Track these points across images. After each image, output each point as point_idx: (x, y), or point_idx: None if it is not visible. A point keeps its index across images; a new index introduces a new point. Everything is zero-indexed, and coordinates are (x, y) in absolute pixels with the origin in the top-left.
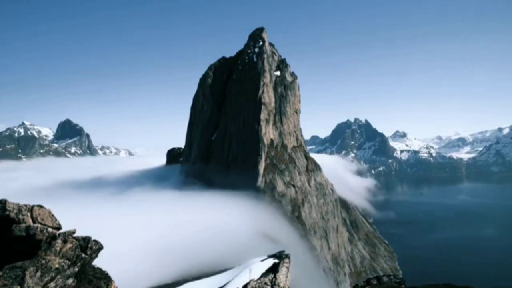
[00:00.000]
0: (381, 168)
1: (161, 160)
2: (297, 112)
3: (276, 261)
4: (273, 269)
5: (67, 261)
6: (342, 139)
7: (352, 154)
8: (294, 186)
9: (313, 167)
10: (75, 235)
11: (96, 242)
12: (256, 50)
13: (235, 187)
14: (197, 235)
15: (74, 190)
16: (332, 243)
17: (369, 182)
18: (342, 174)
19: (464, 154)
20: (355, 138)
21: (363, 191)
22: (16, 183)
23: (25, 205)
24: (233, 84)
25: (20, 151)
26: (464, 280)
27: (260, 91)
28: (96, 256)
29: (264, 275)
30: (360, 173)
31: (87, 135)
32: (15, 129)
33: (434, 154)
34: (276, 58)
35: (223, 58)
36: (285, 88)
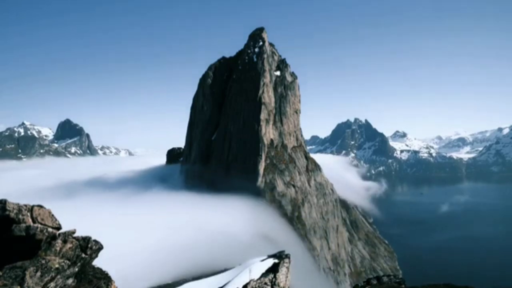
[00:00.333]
0: (381, 168)
1: (161, 160)
2: (297, 112)
3: (276, 261)
4: (273, 269)
5: (67, 261)
6: (342, 139)
7: (352, 154)
8: (294, 186)
9: (313, 167)
10: (75, 235)
11: (96, 242)
12: (256, 50)
13: (235, 187)
14: (197, 235)
15: (74, 190)
16: (332, 243)
17: (369, 182)
18: (342, 174)
19: (464, 154)
20: (355, 138)
21: (363, 191)
22: (17, 183)
23: (25, 205)
24: (233, 84)
25: (20, 151)
26: (464, 280)
27: (260, 91)
28: (96, 256)
29: (264, 275)
30: (360, 173)
31: (87, 135)
32: (15, 129)
33: (434, 154)
34: (276, 58)
35: (223, 58)
36: (285, 88)
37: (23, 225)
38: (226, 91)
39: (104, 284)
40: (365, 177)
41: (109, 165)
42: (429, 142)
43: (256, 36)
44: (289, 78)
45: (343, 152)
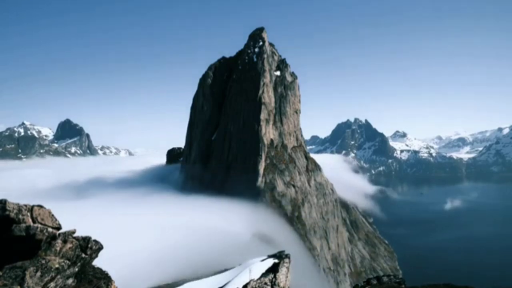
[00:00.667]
0: (381, 168)
1: (161, 160)
2: (297, 112)
3: (276, 261)
4: (273, 269)
5: (67, 261)
6: (342, 139)
7: (352, 154)
8: (294, 186)
9: (313, 167)
10: (75, 235)
11: (96, 242)
12: (256, 50)
13: (235, 187)
14: (197, 235)
15: (74, 190)
16: (332, 243)
17: (369, 182)
18: (342, 174)
19: (464, 154)
20: (355, 138)
21: (363, 191)
22: (20, 182)
23: (25, 205)
24: (233, 84)
25: (20, 151)
26: (464, 280)
27: (260, 91)
28: (96, 256)
29: (264, 275)
30: (360, 173)
31: (87, 135)
32: (15, 129)
33: (434, 154)
34: (276, 58)
35: (223, 58)
36: (285, 88)
37: (23, 225)
38: (226, 91)
39: (104, 284)
40: (365, 177)
41: (109, 165)
42: (429, 142)
43: (256, 36)
44: (289, 78)
45: (343, 152)
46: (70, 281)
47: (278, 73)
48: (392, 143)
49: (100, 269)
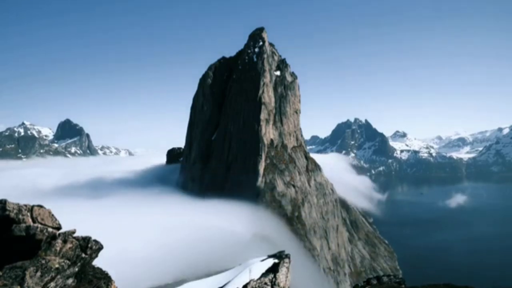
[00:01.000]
0: (381, 168)
1: (161, 160)
2: (297, 112)
3: (276, 261)
4: (273, 269)
5: (67, 261)
6: (342, 139)
7: (352, 154)
8: (294, 186)
9: (313, 167)
10: (75, 235)
11: (96, 242)
12: (256, 50)
13: (235, 187)
14: (197, 235)
15: (74, 190)
16: (332, 243)
17: (369, 182)
18: (342, 174)
19: (464, 154)
20: (355, 138)
21: (363, 191)
22: (23, 182)
23: (25, 205)
24: (233, 84)
25: (20, 151)
26: (464, 280)
27: (260, 91)
28: (96, 256)
29: (264, 275)
30: (360, 173)
31: (87, 135)
32: (15, 129)
33: (434, 154)
34: (276, 58)
35: (223, 58)
36: (285, 88)
37: (23, 225)
38: (226, 91)
39: (104, 284)
40: (365, 177)
41: (109, 165)
42: (429, 142)
43: (256, 36)
44: (289, 78)
45: (343, 152)
46: (70, 281)
47: (278, 73)
48: (392, 143)
49: (100, 269)
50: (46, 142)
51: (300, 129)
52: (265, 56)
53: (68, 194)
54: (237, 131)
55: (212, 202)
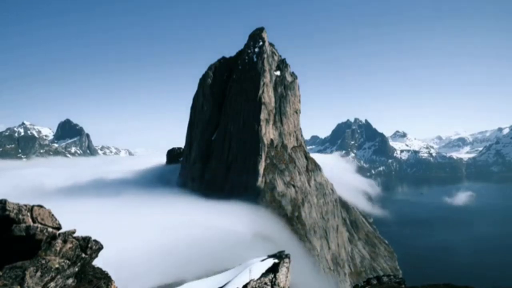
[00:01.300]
0: (381, 168)
1: (161, 160)
2: (297, 112)
3: (276, 261)
4: (273, 269)
5: (67, 261)
6: (342, 139)
7: (352, 154)
8: (294, 186)
9: (313, 167)
10: (75, 235)
11: (96, 242)
12: (256, 50)
13: (235, 187)
14: (197, 235)
15: (74, 190)
16: (332, 243)
17: (369, 182)
18: (342, 174)
19: (464, 154)
20: (355, 138)
21: (363, 191)
22: (24, 182)
23: (25, 205)
24: (233, 84)
25: (20, 151)
26: (464, 280)
27: (260, 91)
28: (96, 256)
29: (264, 275)
30: (360, 173)
31: (87, 135)
32: (15, 129)
33: (434, 154)
34: (276, 58)
35: (223, 58)
36: (285, 88)
37: (23, 225)
38: (226, 91)
39: (104, 284)
40: (365, 177)
41: (109, 165)
42: (429, 142)
43: (256, 36)
44: (289, 78)
45: (343, 152)
46: (70, 281)
47: (278, 73)
48: (392, 143)
49: (100, 269)
50: (46, 142)
51: (300, 129)
52: (265, 56)
53: (68, 194)
54: (237, 131)
55: (212, 202)
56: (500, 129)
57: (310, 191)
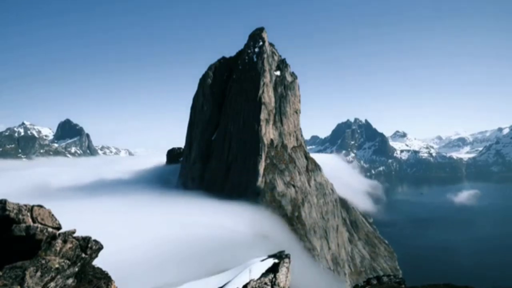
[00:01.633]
0: (381, 168)
1: (161, 160)
2: (297, 112)
3: (276, 261)
4: (273, 269)
5: (67, 261)
6: (342, 139)
7: (352, 154)
8: (294, 186)
9: (313, 167)
10: (75, 235)
11: (96, 242)
12: (256, 50)
13: (235, 187)
14: (197, 235)
15: (74, 190)
16: (332, 243)
17: (369, 182)
18: (342, 174)
19: (464, 154)
20: (355, 138)
21: (363, 191)
22: (26, 182)
23: (25, 205)
24: (233, 84)
25: (20, 151)
26: (464, 280)
27: (260, 91)
28: (96, 256)
29: (264, 275)
30: (360, 173)
31: (87, 135)
32: (15, 129)
33: (434, 154)
34: (276, 58)
35: (223, 58)
36: (285, 88)
37: (23, 225)
38: (226, 91)
39: (104, 284)
40: (365, 177)
41: (109, 165)
42: (429, 142)
43: (256, 36)
44: (289, 78)
45: (343, 152)
46: (70, 281)
47: (278, 73)
48: (392, 143)
49: (100, 269)
50: (46, 142)
51: (300, 129)
52: (265, 56)
53: (68, 193)
54: (237, 131)
55: (212, 202)
56: (500, 129)
57: (310, 191)
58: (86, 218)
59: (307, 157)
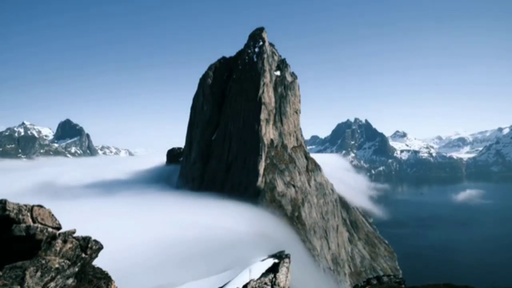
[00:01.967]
0: (381, 168)
1: (161, 160)
2: (297, 112)
3: (276, 261)
4: (273, 269)
5: (67, 261)
6: (342, 139)
7: (352, 154)
8: (294, 186)
9: (313, 167)
10: (75, 235)
11: (96, 242)
12: (256, 50)
13: (235, 187)
14: (197, 235)
15: (74, 190)
16: (332, 243)
17: (369, 182)
18: (342, 174)
19: (464, 154)
20: (355, 138)
21: (363, 191)
22: (19, 183)
23: (25, 205)
24: (233, 84)
25: (20, 151)
26: (464, 280)
27: (260, 91)
28: (96, 256)
29: (264, 275)
30: (360, 173)
31: (87, 135)
32: (15, 129)
33: (434, 154)
34: (276, 58)
35: (223, 58)
36: (285, 88)
37: (23, 225)
38: (226, 91)
39: (104, 284)
40: (365, 177)
41: (109, 165)
42: (429, 142)
43: (256, 36)
44: (289, 78)
45: (343, 152)
46: (70, 281)
47: (278, 73)
48: (392, 143)
49: (100, 269)
50: (46, 142)
51: (300, 129)
52: (265, 56)
53: (68, 193)
54: (237, 131)
55: (212, 202)
56: (500, 129)
57: (310, 191)
58: (86, 218)
59: (307, 157)
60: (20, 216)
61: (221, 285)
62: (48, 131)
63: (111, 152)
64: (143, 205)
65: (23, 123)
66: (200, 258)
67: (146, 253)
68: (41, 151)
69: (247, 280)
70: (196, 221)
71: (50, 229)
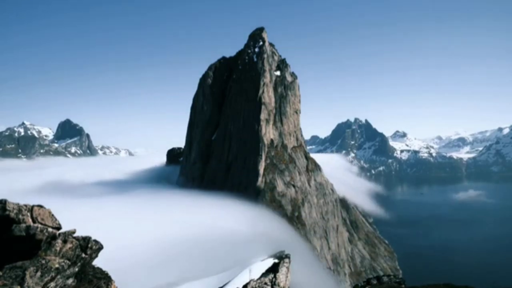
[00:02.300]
0: (381, 168)
1: (161, 160)
2: (297, 112)
3: (276, 261)
4: (273, 269)
5: (67, 261)
6: (342, 139)
7: (352, 154)
8: (294, 186)
9: (313, 167)
10: (75, 235)
11: (96, 242)
12: (256, 50)
13: (235, 187)
14: (197, 235)
15: (74, 189)
16: (332, 243)
17: (369, 182)
18: (342, 174)
19: (464, 154)
20: (355, 138)
21: (363, 191)
22: (20, 183)
23: (25, 205)
24: (233, 84)
25: (20, 151)
26: (464, 280)
27: (260, 91)
28: (96, 256)
29: (264, 275)
30: (360, 173)
31: (87, 135)
32: (15, 129)
33: (434, 154)
34: (276, 58)
35: (223, 58)
36: (285, 88)
37: (23, 225)
38: (226, 91)
39: (104, 284)
40: (365, 177)
41: (109, 165)
42: (429, 142)
43: (256, 36)
44: (289, 78)
45: (343, 152)
46: (70, 281)
47: (278, 73)
48: (392, 143)
49: (100, 269)
50: (46, 142)
51: (300, 129)
52: (265, 56)
53: (68, 193)
54: (237, 131)
55: (212, 202)
56: (500, 129)
57: (310, 191)
58: (86, 218)
59: (307, 157)
60: (20, 216)
61: (221, 285)
62: (48, 131)
63: (111, 152)
64: (143, 205)
65: (23, 123)
66: (200, 258)
67: (146, 253)
68: (41, 151)
69: (247, 280)
70: (196, 221)
71: (50, 229)
